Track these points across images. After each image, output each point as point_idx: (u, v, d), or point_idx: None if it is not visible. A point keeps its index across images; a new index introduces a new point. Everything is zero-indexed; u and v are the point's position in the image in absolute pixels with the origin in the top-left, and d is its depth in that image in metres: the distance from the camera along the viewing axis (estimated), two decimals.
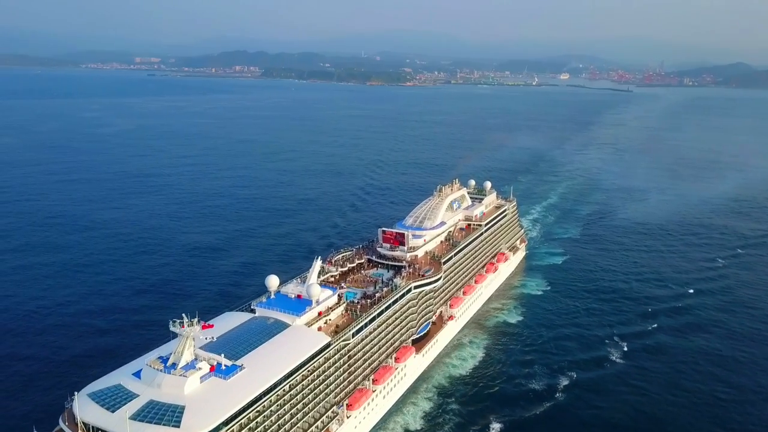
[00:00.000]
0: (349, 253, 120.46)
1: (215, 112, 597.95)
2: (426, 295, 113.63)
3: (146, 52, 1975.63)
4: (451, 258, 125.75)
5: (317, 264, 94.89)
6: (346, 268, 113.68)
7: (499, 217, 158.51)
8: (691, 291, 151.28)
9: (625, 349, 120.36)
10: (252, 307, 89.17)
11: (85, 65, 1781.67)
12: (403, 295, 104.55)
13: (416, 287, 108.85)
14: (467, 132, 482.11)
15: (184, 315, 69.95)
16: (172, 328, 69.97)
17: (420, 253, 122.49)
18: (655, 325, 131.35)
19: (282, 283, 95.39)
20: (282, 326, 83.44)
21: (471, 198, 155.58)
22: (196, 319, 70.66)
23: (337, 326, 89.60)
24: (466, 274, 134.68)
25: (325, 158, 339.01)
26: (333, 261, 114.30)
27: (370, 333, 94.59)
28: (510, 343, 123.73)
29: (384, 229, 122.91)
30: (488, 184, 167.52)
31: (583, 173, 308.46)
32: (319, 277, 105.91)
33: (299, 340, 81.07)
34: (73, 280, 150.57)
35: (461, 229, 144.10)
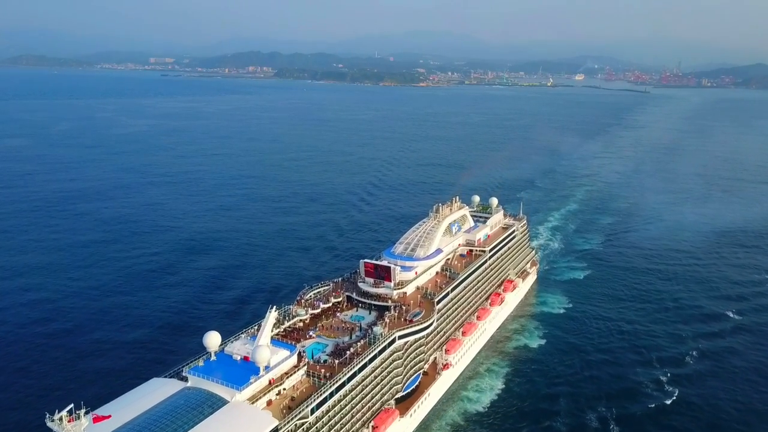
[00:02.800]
0: (326, 288, 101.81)
1: (219, 115, 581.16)
2: (414, 343, 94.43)
3: (162, 52, 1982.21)
4: (447, 295, 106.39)
5: (271, 317, 75.11)
6: (318, 310, 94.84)
7: (507, 239, 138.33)
8: (738, 317, 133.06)
9: (662, 379, 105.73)
10: (184, 373, 70.40)
11: (99, 66, 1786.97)
12: (384, 349, 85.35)
13: (401, 337, 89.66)
14: (484, 134, 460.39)
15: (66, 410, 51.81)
16: (49, 424, 52.03)
17: (410, 289, 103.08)
18: (695, 354, 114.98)
19: (229, 337, 76.96)
20: (217, 403, 64.64)
21: (474, 218, 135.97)
22: (83, 411, 52.68)
23: (292, 398, 70.81)
24: (465, 310, 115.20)
25: (330, 162, 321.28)
26: (303, 300, 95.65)
27: (338, 402, 75.60)
28: (532, 373, 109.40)
29: (366, 260, 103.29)
30: (494, 201, 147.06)
31: (605, 179, 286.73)
32: (285, 322, 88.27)
33: (236, 426, 62.29)
34: None
35: (462, 255, 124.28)
